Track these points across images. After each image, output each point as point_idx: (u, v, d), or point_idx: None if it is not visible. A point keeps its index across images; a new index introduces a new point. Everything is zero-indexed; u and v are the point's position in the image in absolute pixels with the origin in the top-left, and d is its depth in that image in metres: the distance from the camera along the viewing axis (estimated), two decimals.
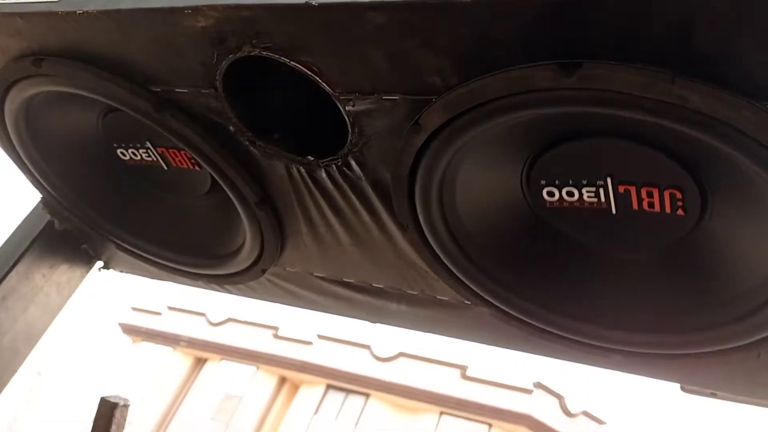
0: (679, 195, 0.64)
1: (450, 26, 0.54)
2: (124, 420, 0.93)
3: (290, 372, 15.47)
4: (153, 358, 25.03)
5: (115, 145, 0.92)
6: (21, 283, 1.04)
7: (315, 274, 0.93)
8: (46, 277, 1.08)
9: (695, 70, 0.49)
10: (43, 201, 1.05)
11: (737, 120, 0.50)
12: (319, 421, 13.73)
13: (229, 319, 27.66)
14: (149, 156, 0.91)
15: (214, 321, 27.35)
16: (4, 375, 1.03)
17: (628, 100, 0.52)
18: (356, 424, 13.37)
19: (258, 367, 16.72)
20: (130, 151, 0.92)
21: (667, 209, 0.65)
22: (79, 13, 0.70)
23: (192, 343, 25.80)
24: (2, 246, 1.05)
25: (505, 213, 0.73)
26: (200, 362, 26.85)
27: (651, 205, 0.66)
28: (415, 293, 0.87)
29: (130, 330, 28.51)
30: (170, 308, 28.06)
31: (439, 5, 0.53)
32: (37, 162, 0.95)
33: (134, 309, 30.46)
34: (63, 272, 1.10)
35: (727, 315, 0.67)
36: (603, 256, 0.73)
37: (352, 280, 0.91)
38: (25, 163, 0.96)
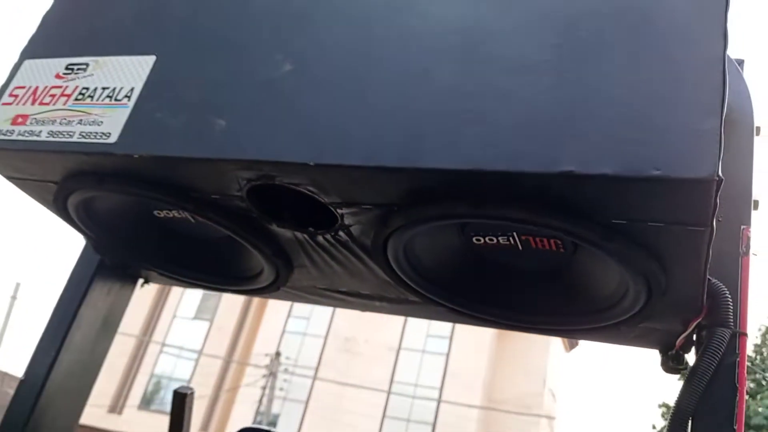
0: (560, 242, 0.98)
1: (391, 181, 0.86)
2: (192, 404, 1.29)
3: None
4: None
5: (155, 211, 1.21)
6: (88, 307, 1.35)
7: (317, 286, 1.27)
8: (106, 297, 1.39)
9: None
10: (93, 246, 1.34)
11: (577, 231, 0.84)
12: None
13: None
14: (182, 215, 1.19)
15: None
16: (92, 372, 1.36)
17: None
18: None
19: None
20: (164, 212, 1.21)
21: (553, 248, 1.00)
22: (135, 157, 0.98)
23: None
24: (70, 279, 1.36)
25: (449, 251, 1.07)
26: None
27: (543, 245, 1.00)
28: (392, 296, 1.21)
29: None
30: None
31: (374, 171, 0.84)
32: (92, 229, 1.24)
33: None
34: (116, 291, 1.42)
35: (593, 308, 1.04)
36: (514, 270, 1.08)
37: (345, 290, 1.25)
38: (81, 229, 1.25)
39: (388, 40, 0.94)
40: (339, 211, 0.97)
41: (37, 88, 1.11)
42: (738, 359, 0.96)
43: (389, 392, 21.19)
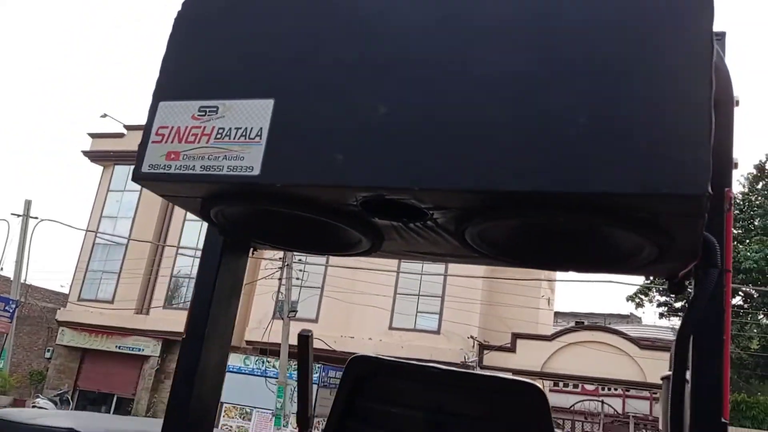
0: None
1: (471, 196, 1.19)
2: (313, 342, 1.68)
3: None
4: (131, 180, 25.60)
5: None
6: (221, 275, 1.71)
7: (402, 250, 1.63)
8: (231, 265, 1.75)
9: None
10: (219, 232, 1.68)
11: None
12: None
13: None
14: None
15: None
16: (230, 324, 1.75)
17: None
18: None
19: None
20: None
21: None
22: (278, 186, 1.30)
23: None
24: (205, 255, 1.71)
25: (509, 230, 1.41)
26: None
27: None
28: (459, 254, 1.58)
29: (97, 156, 28.50)
30: (129, 127, 27.83)
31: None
32: (225, 224, 1.58)
33: (92, 135, 30.09)
34: (237, 260, 1.78)
35: (616, 259, 1.40)
36: (558, 234, 1.43)
37: (423, 251, 1.62)
38: (216, 225, 1.59)
39: (454, 83, 1.24)
40: (430, 212, 1.31)
41: (179, 128, 1.41)
42: (725, 290, 1.33)
43: (398, 272, 22.14)
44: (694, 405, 1.29)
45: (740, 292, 26.75)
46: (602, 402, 22.67)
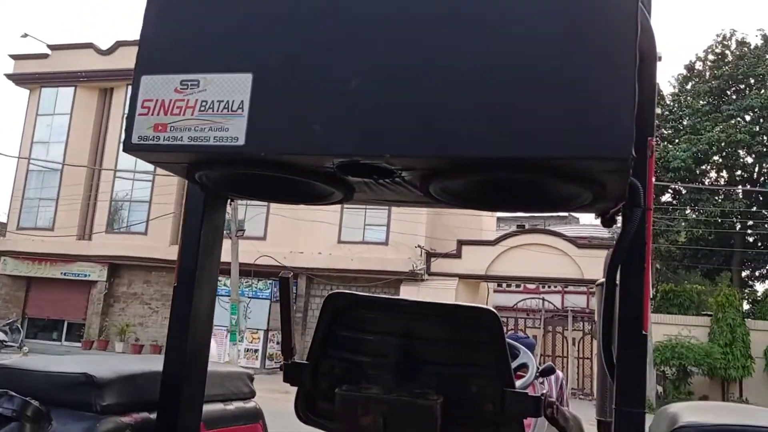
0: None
1: (435, 160, 1.38)
2: (292, 284, 1.89)
3: None
4: (59, 102, 24.59)
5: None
6: (205, 224, 1.88)
7: (370, 199, 1.82)
8: (212, 215, 1.91)
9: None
10: (201, 188, 1.83)
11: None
12: None
13: (118, 44, 26.48)
14: None
15: (104, 49, 26.17)
16: (216, 265, 1.94)
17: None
18: None
19: None
20: None
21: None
22: (262, 155, 1.46)
23: (90, 77, 25.09)
24: (188, 208, 1.87)
25: (466, 184, 1.61)
26: (106, 92, 26.36)
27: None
28: (423, 201, 1.78)
29: (21, 79, 27.08)
30: (53, 47, 26.42)
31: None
32: (207, 184, 1.73)
33: (14, 57, 28.44)
34: (217, 210, 1.94)
35: (557, 202, 1.62)
36: (507, 184, 1.64)
37: (390, 200, 1.81)
38: (199, 184, 1.74)
39: (419, 61, 1.40)
40: (399, 171, 1.50)
41: (163, 101, 1.53)
42: (646, 225, 1.58)
43: None
44: (621, 320, 1.56)
45: (669, 190, 28.16)
46: (543, 299, 23.98)
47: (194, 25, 1.56)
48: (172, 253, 24.40)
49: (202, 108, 1.50)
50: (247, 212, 21.91)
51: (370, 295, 1.94)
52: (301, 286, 23.65)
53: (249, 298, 21.88)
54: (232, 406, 2.19)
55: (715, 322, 20.87)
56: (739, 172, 27.56)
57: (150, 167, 25.12)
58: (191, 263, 1.84)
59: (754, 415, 1.83)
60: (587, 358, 21.56)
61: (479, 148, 1.34)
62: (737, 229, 26.79)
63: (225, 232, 19.34)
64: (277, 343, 22.23)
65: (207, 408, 1.94)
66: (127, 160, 24.86)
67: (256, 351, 22.05)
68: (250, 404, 2.31)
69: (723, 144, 25.60)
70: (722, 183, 27.92)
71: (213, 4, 1.56)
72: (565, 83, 1.31)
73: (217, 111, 1.49)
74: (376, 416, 1.70)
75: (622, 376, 1.52)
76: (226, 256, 20.38)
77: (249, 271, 21.35)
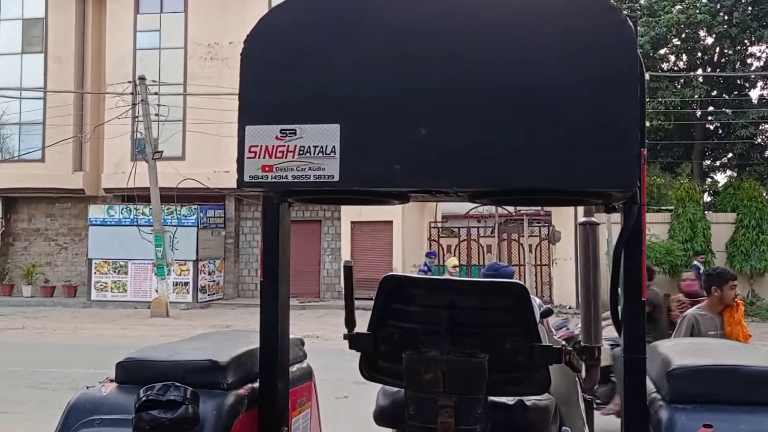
0: None
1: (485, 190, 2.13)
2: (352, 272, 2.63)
3: None
4: None
5: None
6: (282, 225, 2.60)
7: (420, 199, 2.55)
8: (283, 218, 2.62)
9: None
10: (277, 202, 2.51)
11: None
12: None
13: None
14: None
15: None
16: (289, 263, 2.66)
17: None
18: None
19: None
20: None
21: None
22: (354, 189, 2.16)
23: None
24: (266, 215, 2.57)
25: (503, 196, 2.36)
26: None
27: None
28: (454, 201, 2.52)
29: None
30: None
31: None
32: (287, 199, 2.42)
33: None
34: (285, 213, 2.64)
35: (569, 201, 2.40)
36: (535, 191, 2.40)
37: (435, 200, 2.54)
38: (279, 200, 2.42)
39: (476, 111, 2.10)
40: (454, 192, 2.23)
41: (267, 146, 2.19)
42: (641, 219, 2.37)
43: None
44: (624, 291, 2.38)
45: None
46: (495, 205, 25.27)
47: (286, 82, 2.20)
48: (76, 180, 24.31)
49: (301, 152, 2.18)
50: (162, 131, 21.87)
51: (418, 276, 2.70)
52: (229, 209, 24.15)
53: (174, 226, 22.19)
54: (295, 367, 2.95)
55: (675, 217, 22.68)
56: (699, 55, 29.00)
57: (40, 84, 24.63)
58: (273, 260, 2.56)
59: (731, 353, 2.73)
60: (545, 265, 23.11)
61: (518, 180, 2.08)
62: (698, 117, 28.54)
63: (140, 155, 19.37)
64: (209, 273, 22.89)
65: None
66: (11, 77, 24.18)
67: (186, 284, 22.58)
68: (305, 364, 3.09)
69: (682, 26, 26.81)
70: (681, 68, 29.37)
71: (300, 64, 2.19)
72: (590, 130, 2.05)
73: (314, 154, 2.17)
74: (437, 373, 2.49)
75: (628, 332, 2.35)
76: (143, 181, 20.57)
77: (171, 197, 21.57)
